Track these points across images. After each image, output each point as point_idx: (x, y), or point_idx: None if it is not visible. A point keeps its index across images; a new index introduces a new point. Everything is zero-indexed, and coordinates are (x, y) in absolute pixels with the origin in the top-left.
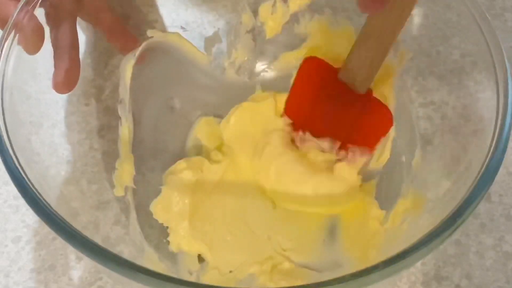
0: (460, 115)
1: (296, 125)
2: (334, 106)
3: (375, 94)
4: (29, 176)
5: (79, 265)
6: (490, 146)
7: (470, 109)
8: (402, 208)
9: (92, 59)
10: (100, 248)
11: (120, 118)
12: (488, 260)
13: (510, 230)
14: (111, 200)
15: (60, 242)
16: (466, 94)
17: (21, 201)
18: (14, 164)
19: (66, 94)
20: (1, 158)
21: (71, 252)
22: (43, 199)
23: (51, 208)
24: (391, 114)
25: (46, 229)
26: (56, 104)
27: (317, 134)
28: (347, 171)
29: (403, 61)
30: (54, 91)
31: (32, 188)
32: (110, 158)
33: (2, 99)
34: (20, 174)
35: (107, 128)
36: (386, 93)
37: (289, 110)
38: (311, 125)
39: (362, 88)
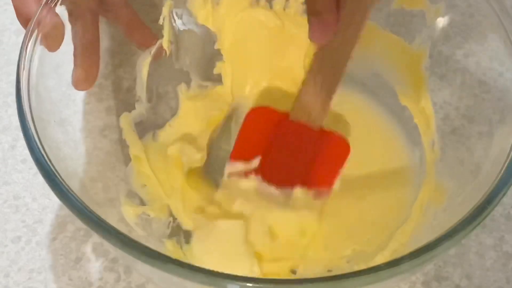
0: (463, 116)
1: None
2: (287, 148)
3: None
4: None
5: (79, 266)
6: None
7: (475, 110)
8: (425, 197)
9: None
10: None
11: None
12: (488, 260)
13: (510, 230)
14: (115, 199)
15: (59, 242)
16: (470, 95)
17: (21, 201)
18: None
19: (69, 93)
20: (30, 150)
21: (71, 252)
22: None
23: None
24: (347, 143)
25: (46, 229)
26: (60, 102)
27: (273, 183)
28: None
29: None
30: (59, 89)
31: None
32: (113, 157)
33: (29, 97)
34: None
35: (109, 128)
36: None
37: (236, 156)
38: (264, 173)
39: (319, 121)
